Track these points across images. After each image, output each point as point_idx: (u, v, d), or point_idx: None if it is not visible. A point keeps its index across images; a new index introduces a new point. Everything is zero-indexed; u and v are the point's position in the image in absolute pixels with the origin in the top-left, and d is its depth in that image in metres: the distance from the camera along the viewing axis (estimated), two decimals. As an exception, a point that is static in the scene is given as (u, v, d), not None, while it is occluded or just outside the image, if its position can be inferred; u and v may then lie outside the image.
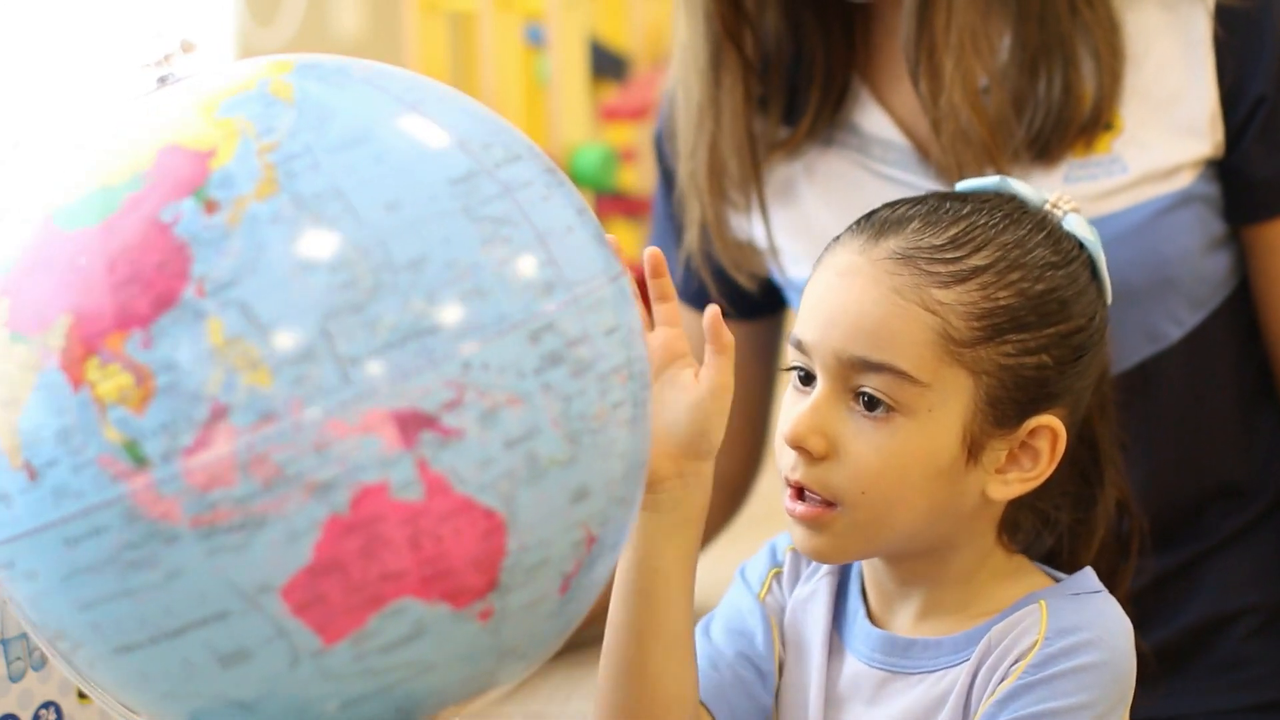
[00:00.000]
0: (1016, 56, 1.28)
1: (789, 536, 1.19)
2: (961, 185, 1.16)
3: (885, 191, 1.32)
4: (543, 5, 3.31)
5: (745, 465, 1.56)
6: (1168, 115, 1.30)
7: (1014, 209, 1.12)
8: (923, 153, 1.34)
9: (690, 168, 1.38)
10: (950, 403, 1.07)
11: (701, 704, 1.13)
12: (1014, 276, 1.09)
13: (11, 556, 0.90)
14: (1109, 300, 1.15)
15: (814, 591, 1.16)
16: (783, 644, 1.17)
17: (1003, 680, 1.06)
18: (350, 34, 4.21)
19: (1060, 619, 1.07)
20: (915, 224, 1.10)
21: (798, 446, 1.08)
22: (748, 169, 1.36)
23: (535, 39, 3.46)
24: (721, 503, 1.56)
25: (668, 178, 1.48)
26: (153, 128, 0.91)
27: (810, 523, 1.09)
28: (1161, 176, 1.29)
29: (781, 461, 1.11)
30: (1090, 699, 1.04)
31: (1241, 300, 1.35)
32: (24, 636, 1.16)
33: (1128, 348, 1.30)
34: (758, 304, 1.47)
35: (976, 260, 1.08)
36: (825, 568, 1.17)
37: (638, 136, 3.52)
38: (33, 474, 0.87)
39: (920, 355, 1.07)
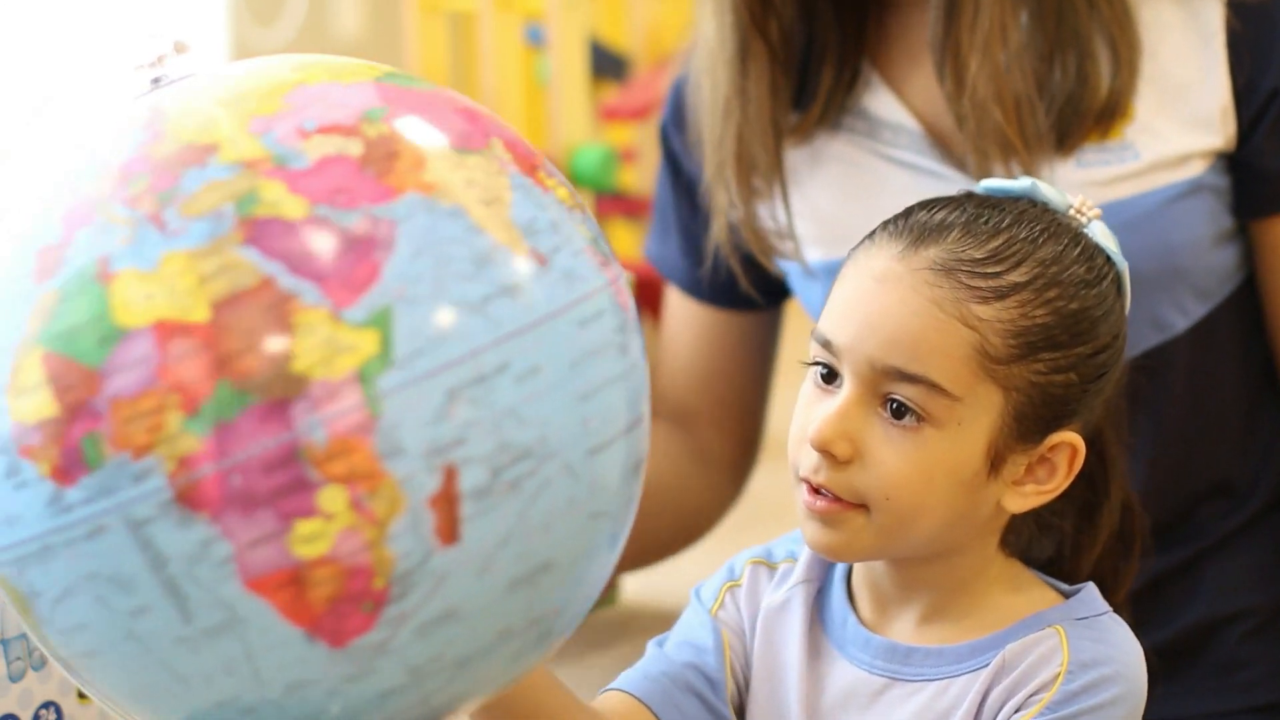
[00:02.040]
0: (1036, 47, 1.28)
1: (749, 554, 1.20)
2: (988, 184, 1.15)
3: (894, 175, 1.33)
4: (543, 5, 3.31)
5: (748, 449, 1.55)
6: (1180, 106, 1.30)
7: (1050, 222, 1.11)
8: (934, 136, 1.34)
9: (718, 158, 1.38)
10: (980, 417, 1.07)
11: (649, 710, 1.14)
12: (1051, 294, 1.08)
13: (507, 357, 0.88)
14: (1128, 309, 1.14)
15: (786, 600, 1.16)
16: (745, 656, 1.16)
17: (1018, 710, 1.06)
18: (350, 34, 4.21)
19: (1081, 651, 1.06)
20: (955, 233, 1.09)
21: (824, 450, 1.07)
22: (772, 157, 1.36)
23: (535, 39, 3.46)
24: (723, 485, 1.55)
25: (673, 168, 1.48)
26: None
27: (828, 518, 1.08)
28: (1172, 165, 1.29)
29: (801, 461, 1.10)
30: None
31: (1247, 295, 1.35)
32: (23, 637, 1.16)
33: (1134, 335, 1.29)
34: (783, 291, 1.47)
35: (1015, 276, 1.08)
36: (795, 576, 1.17)
37: (638, 136, 3.52)
38: (542, 260, 0.90)
39: (956, 370, 1.06)
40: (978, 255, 1.08)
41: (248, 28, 3.90)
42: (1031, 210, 1.12)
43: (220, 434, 0.84)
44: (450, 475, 0.86)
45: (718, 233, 1.41)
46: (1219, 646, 1.33)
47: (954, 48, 1.28)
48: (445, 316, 0.87)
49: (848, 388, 1.08)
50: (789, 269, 1.41)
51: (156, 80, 0.94)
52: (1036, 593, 1.12)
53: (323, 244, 0.86)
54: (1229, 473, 1.35)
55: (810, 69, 1.37)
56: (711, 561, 1.27)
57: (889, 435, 1.07)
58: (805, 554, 1.17)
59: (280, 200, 0.87)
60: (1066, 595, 1.12)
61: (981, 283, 1.07)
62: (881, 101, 1.35)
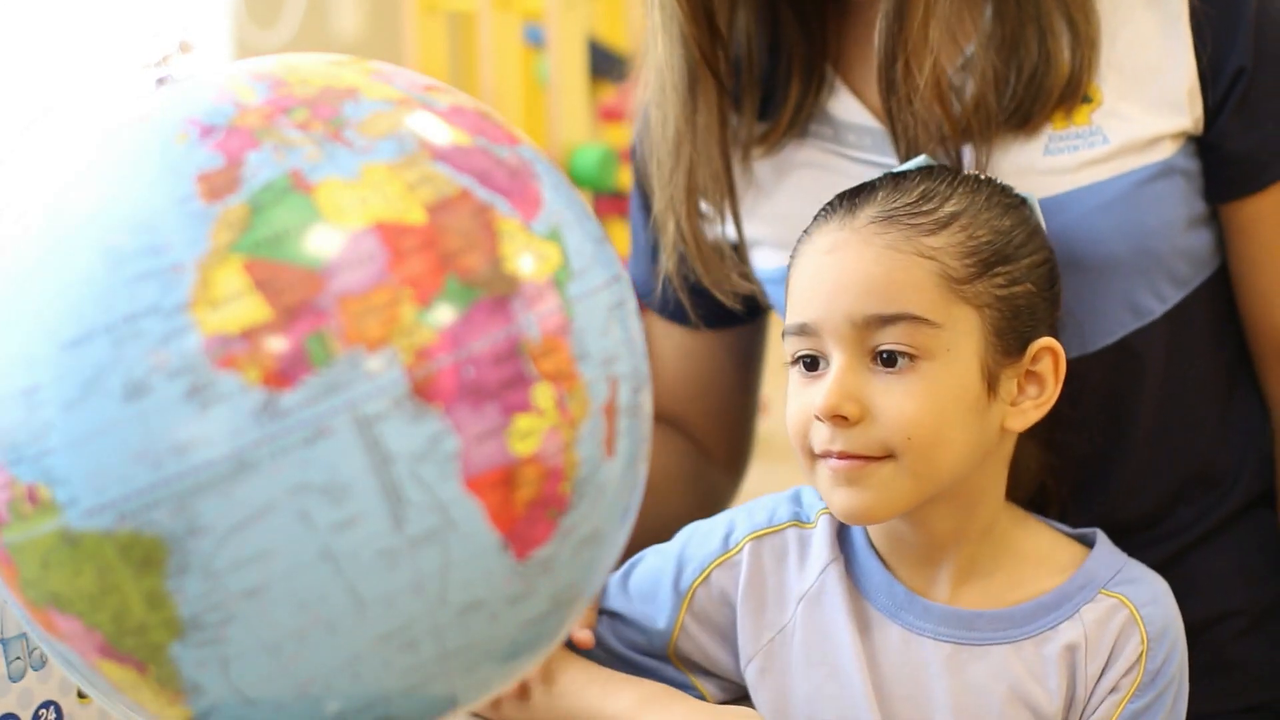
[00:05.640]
0: (996, 31, 1.28)
1: (746, 528, 1.23)
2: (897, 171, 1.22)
3: (860, 176, 1.32)
4: (542, 5, 3.31)
5: (741, 450, 1.55)
6: (1146, 88, 1.29)
7: (956, 173, 1.21)
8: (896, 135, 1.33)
9: (668, 193, 1.37)
10: (964, 340, 1.13)
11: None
12: (986, 215, 1.16)
13: (626, 293, 0.97)
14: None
15: (821, 585, 1.20)
16: (721, 631, 1.22)
17: (1112, 690, 1.15)
18: (350, 34, 4.22)
19: (1151, 622, 1.17)
20: (883, 192, 1.17)
21: (834, 415, 1.12)
22: (722, 187, 1.35)
23: (534, 39, 3.47)
24: (722, 481, 1.54)
25: (643, 191, 1.47)
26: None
27: (856, 477, 1.13)
28: (1142, 147, 1.29)
29: (814, 440, 1.14)
30: (1183, 680, 1.19)
31: (1223, 281, 1.34)
32: (24, 636, 1.16)
33: (1111, 320, 1.29)
34: (737, 316, 1.46)
35: (950, 207, 1.15)
36: (821, 559, 1.20)
37: (637, 137, 3.52)
38: None
39: (929, 298, 1.12)
40: (910, 200, 1.15)
41: (248, 28, 3.90)
42: (937, 169, 1.21)
43: (454, 325, 0.86)
44: (614, 387, 0.91)
45: (666, 264, 1.40)
46: (1211, 646, 1.33)
47: (903, 47, 1.26)
48: (589, 244, 0.94)
49: (836, 358, 1.13)
50: (765, 277, 1.40)
51: (161, 80, 0.94)
52: (1054, 539, 1.21)
53: (495, 167, 0.91)
54: (1210, 462, 1.35)
55: (777, 80, 1.36)
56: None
57: (889, 385, 1.12)
58: (819, 534, 1.20)
59: (445, 129, 0.91)
60: (1077, 539, 1.21)
61: (923, 219, 1.14)
62: (844, 104, 1.35)
